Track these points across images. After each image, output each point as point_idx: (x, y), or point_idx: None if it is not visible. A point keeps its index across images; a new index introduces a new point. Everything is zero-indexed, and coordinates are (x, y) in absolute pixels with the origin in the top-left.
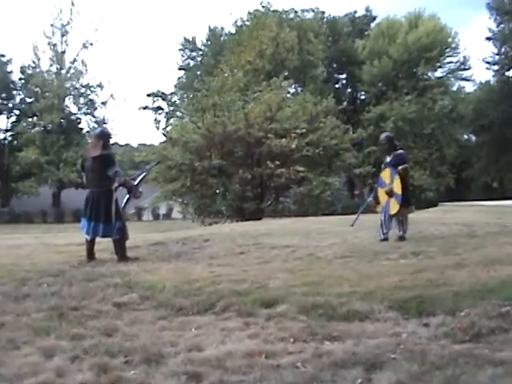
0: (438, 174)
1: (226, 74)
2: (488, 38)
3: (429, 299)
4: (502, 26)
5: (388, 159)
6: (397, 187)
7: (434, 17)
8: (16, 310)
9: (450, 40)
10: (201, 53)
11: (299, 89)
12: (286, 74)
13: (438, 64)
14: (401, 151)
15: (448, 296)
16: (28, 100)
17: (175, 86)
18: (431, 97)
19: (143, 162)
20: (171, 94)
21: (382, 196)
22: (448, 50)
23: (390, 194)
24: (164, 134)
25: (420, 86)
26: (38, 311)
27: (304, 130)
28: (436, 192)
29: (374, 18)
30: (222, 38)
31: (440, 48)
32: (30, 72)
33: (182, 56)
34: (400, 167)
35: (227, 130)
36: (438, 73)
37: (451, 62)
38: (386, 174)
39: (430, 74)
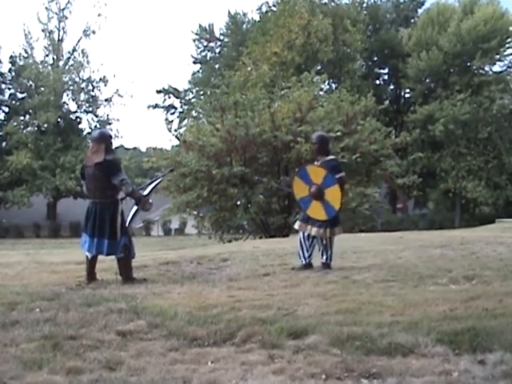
0: (495, 186)
1: (249, 68)
2: None
3: (484, 332)
4: None
5: (316, 164)
6: (333, 197)
7: (493, 1)
8: (3, 340)
9: (511, 28)
10: (219, 43)
11: (334, 85)
12: (319, 68)
13: (497, 56)
14: (333, 157)
15: (507, 328)
16: (19, 95)
17: (190, 82)
18: (488, 95)
19: (153, 168)
20: (185, 90)
21: (301, 190)
22: (509, 40)
23: (317, 196)
24: (177, 137)
25: (475, 83)
26: (29, 341)
27: (339, 134)
28: (493, 206)
29: (422, 4)
30: (244, 26)
31: (500, 38)
32: (21, 63)
33: (198, 47)
34: (338, 175)
35: (250, 133)
36: (497, 67)
37: None
38: (316, 171)
39: (487, 68)
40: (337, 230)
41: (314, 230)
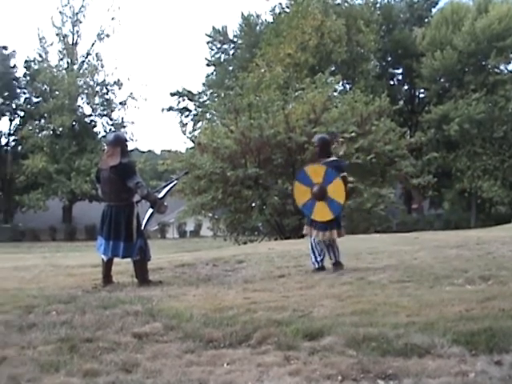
0: (511, 185)
1: (263, 70)
2: None
3: (501, 332)
4: None
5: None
6: (337, 192)
7: None
8: (20, 342)
9: None
10: (233, 45)
11: (348, 86)
12: (333, 68)
13: None
14: (335, 158)
15: None
16: (34, 100)
17: (204, 84)
18: (504, 94)
19: (168, 170)
20: (199, 93)
21: (302, 195)
22: None
23: (320, 196)
24: (191, 139)
25: (490, 82)
26: (46, 343)
27: (353, 134)
28: (509, 206)
29: (436, 3)
30: (257, 28)
31: None
32: (36, 67)
33: (211, 49)
34: (341, 174)
35: (265, 135)
36: None
37: None
38: (316, 170)
39: (502, 67)
40: (342, 230)
41: (320, 235)
